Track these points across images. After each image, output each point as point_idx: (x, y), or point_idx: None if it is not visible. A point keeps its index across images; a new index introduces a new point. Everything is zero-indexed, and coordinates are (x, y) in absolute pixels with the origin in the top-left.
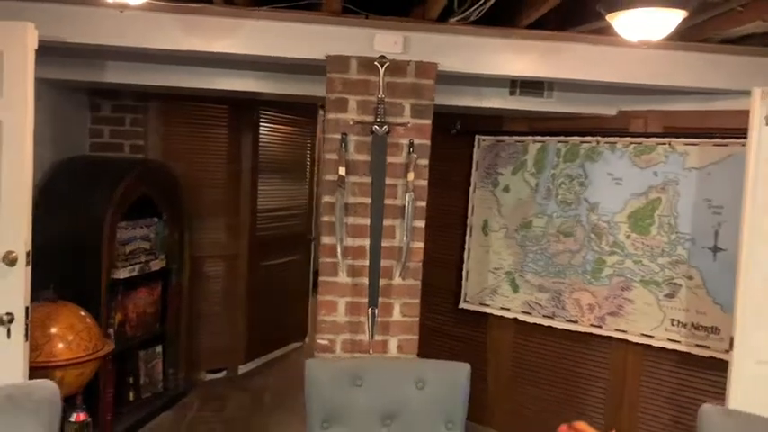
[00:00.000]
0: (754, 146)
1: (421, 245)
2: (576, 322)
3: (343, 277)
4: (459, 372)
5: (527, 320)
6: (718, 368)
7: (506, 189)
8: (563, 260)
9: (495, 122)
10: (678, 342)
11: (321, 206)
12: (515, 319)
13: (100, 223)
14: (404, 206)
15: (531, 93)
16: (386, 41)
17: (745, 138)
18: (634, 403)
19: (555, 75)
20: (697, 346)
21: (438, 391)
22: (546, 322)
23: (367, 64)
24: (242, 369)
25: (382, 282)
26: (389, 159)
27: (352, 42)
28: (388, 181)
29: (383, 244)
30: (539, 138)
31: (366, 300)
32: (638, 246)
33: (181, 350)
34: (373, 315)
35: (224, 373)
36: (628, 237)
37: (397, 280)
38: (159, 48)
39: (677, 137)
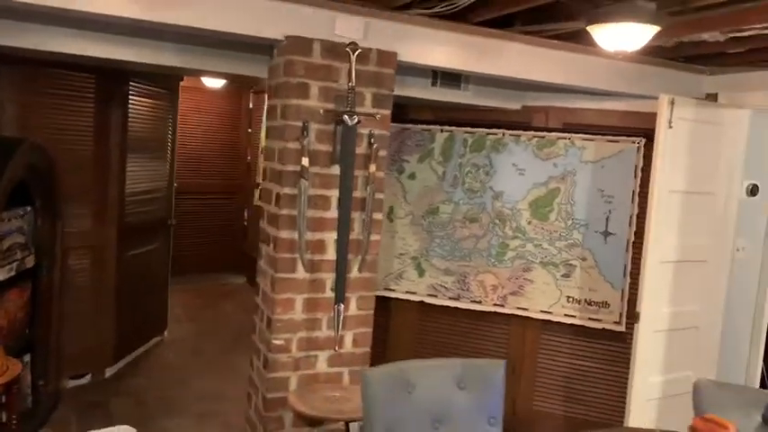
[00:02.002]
0: (661, 146)
1: (378, 237)
2: (480, 302)
3: (301, 273)
4: (496, 368)
5: (433, 302)
6: (609, 338)
7: (412, 176)
8: (468, 245)
9: (399, 110)
10: (573, 317)
11: (279, 198)
12: (421, 302)
13: None
14: (364, 198)
15: (449, 84)
16: (348, 26)
17: (634, 136)
18: (531, 373)
19: (491, 71)
20: (590, 319)
21: (478, 388)
22: (451, 304)
23: (331, 48)
24: (109, 372)
25: None
26: None
27: (311, 23)
28: None
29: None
30: (446, 127)
31: (324, 295)
32: (538, 231)
33: (51, 357)
34: (339, 312)
35: (88, 377)
36: (529, 222)
37: (354, 273)
38: (91, 12)
39: (576, 132)
